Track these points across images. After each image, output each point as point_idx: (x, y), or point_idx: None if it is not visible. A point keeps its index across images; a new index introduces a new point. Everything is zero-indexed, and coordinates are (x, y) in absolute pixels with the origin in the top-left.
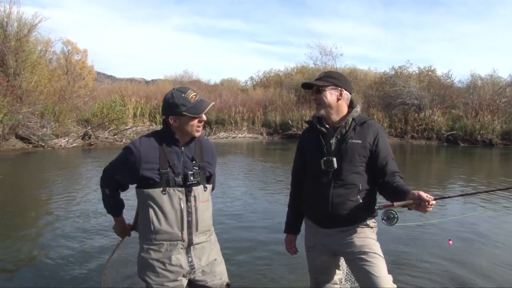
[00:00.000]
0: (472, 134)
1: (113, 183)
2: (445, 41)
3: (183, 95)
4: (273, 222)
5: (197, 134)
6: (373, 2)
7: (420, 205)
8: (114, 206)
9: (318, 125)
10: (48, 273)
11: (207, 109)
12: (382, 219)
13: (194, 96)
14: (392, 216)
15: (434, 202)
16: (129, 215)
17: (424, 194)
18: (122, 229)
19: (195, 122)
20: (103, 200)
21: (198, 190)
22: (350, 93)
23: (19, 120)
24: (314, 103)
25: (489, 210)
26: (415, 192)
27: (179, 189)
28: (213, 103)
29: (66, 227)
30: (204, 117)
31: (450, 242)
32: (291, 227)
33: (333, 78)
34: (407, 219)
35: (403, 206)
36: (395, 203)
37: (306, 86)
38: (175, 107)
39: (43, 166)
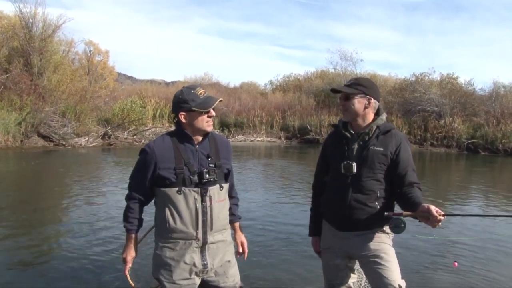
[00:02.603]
0: (493, 142)
1: (138, 192)
2: (469, 47)
3: (192, 91)
4: (292, 222)
5: (208, 129)
6: (395, 6)
7: (428, 219)
8: (134, 220)
9: (343, 130)
10: (67, 270)
11: (215, 104)
12: (389, 226)
13: (202, 92)
14: (399, 225)
15: (442, 218)
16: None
17: (434, 209)
18: (133, 249)
19: (205, 117)
20: (125, 214)
21: (213, 190)
22: (378, 101)
23: (42, 118)
24: (341, 108)
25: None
26: (426, 205)
27: (195, 189)
28: (221, 99)
29: (86, 225)
30: (212, 112)
31: (456, 264)
32: (316, 229)
33: (363, 86)
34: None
35: (412, 217)
36: (404, 213)
37: (335, 90)
38: (184, 102)
39: (64, 164)
